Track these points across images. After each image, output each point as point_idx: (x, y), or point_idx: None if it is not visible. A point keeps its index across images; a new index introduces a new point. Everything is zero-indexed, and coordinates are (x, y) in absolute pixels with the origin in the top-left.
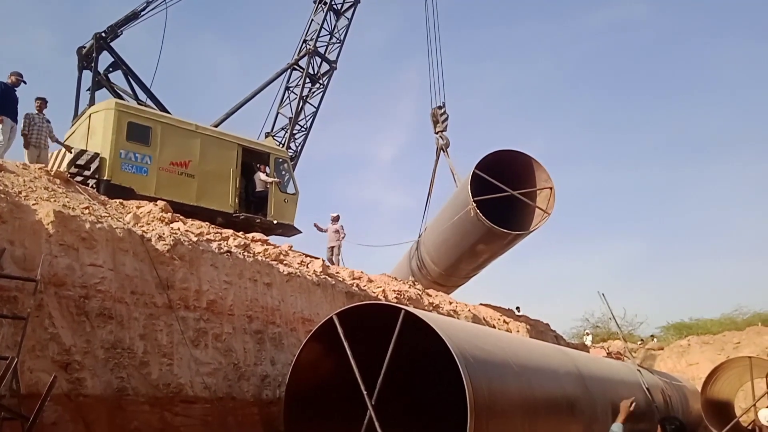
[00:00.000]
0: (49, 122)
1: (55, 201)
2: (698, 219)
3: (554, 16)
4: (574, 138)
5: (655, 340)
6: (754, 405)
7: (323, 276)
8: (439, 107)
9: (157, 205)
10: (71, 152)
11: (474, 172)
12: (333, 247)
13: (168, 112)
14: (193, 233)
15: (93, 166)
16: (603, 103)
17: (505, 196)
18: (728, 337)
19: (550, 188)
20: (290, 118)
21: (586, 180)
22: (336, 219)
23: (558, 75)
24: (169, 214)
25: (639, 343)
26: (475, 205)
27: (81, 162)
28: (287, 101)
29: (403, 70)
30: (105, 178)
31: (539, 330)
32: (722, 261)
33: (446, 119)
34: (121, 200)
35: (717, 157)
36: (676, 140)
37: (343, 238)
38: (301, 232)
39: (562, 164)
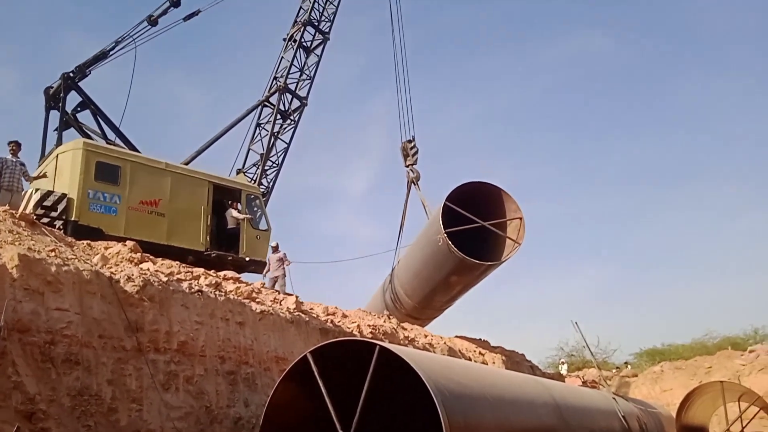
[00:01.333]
0: (24, 165)
1: (19, 244)
2: (664, 244)
3: (517, 49)
4: (540, 167)
5: (629, 367)
6: (728, 429)
7: (297, 313)
8: (409, 141)
9: (125, 245)
10: (46, 177)
11: (445, 204)
12: (277, 276)
13: (137, 151)
14: (163, 273)
15: (60, 207)
16: (567, 133)
17: (476, 227)
18: (700, 362)
19: (520, 218)
20: (262, 155)
21: (554, 208)
22: (276, 248)
23: (523, 106)
24: (139, 254)
25: (614, 370)
26: (446, 236)
27: (47, 203)
28: (258, 138)
29: (371, 103)
30: (72, 218)
31: (515, 361)
32: (690, 285)
33: (416, 153)
34: (88, 241)
35: (681, 184)
36: (641, 168)
37: (288, 265)
38: None
39: (530, 193)
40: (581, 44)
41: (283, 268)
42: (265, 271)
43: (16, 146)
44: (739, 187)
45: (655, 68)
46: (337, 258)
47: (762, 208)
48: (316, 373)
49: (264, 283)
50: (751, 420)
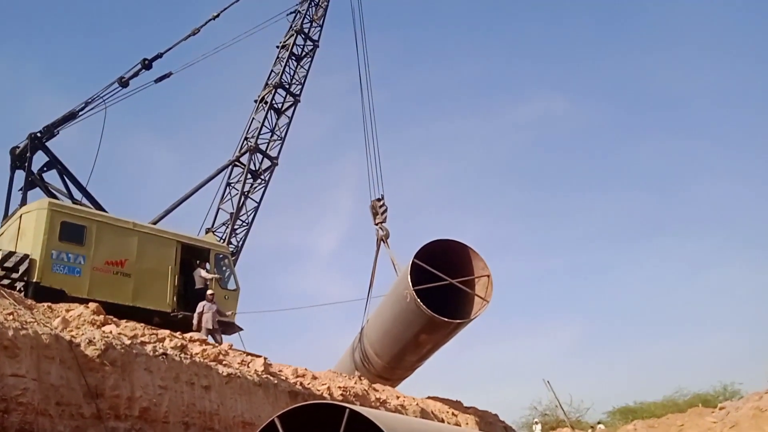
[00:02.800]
0: None
1: None
2: (632, 301)
3: (483, 110)
4: (507, 225)
5: (602, 425)
6: None
7: (265, 375)
8: (378, 199)
9: (88, 307)
10: None
11: (413, 261)
12: (213, 329)
13: (104, 211)
14: (126, 336)
15: (22, 268)
16: (533, 191)
17: (444, 284)
18: (672, 420)
19: (488, 276)
20: (231, 214)
21: (522, 266)
22: (212, 298)
23: (489, 165)
24: (102, 317)
25: (589, 430)
26: (415, 294)
27: (9, 264)
28: (228, 197)
29: (340, 161)
30: (34, 280)
31: (488, 421)
32: (658, 341)
33: (385, 211)
34: (50, 304)
35: (646, 241)
36: (606, 225)
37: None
38: (242, 330)
39: (498, 251)
40: (542, 107)
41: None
42: (196, 322)
43: None
44: (703, 243)
45: (613, 129)
46: (307, 318)
47: (726, 263)
48: None
49: (231, 345)
50: None
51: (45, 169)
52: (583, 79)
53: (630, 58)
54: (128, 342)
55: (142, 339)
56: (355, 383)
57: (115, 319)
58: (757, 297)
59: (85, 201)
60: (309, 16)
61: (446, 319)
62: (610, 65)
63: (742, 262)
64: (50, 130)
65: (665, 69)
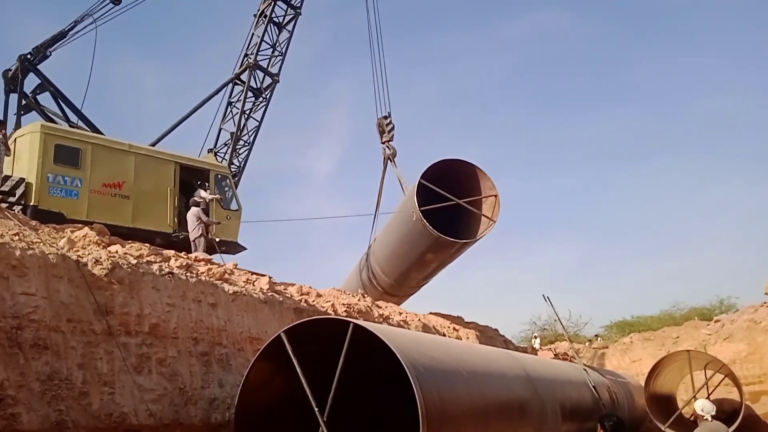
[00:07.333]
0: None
1: None
2: (630, 219)
3: (479, 26)
4: (506, 144)
5: (599, 339)
6: (695, 396)
7: (270, 293)
8: (385, 117)
9: (93, 228)
10: None
11: (420, 181)
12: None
13: (101, 134)
14: (132, 255)
15: (18, 192)
16: (532, 109)
17: (451, 204)
18: (668, 333)
19: (495, 196)
20: (233, 133)
21: (521, 185)
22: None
23: (488, 84)
24: (107, 237)
25: (587, 343)
26: (421, 214)
27: (5, 188)
28: (230, 116)
29: (334, 82)
30: (32, 203)
31: (488, 336)
32: (657, 258)
33: (392, 129)
34: (54, 225)
35: (645, 157)
36: (605, 143)
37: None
38: (246, 249)
39: (497, 170)
40: (543, 21)
41: (202, 227)
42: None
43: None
44: (702, 160)
45: (616, 44)
46: (305, 235)
47: (724, 181)
48: (290, 352)
49: (236, 264)
50: (716, 387)
51: (38, 91)
52: None
53: None
54: (134, 261)
55: (148, 258)
56: (359, 300)
57: (120, 240)
58: (755, 212)
59: (81, 124)
60: None
61: (452, 239)
62: None
63: (740, 178)
64: (41, 51)
65: None
